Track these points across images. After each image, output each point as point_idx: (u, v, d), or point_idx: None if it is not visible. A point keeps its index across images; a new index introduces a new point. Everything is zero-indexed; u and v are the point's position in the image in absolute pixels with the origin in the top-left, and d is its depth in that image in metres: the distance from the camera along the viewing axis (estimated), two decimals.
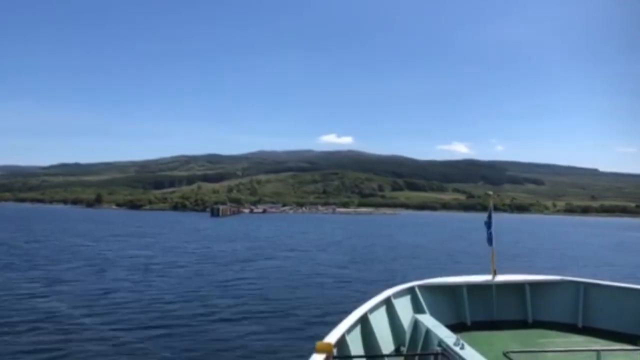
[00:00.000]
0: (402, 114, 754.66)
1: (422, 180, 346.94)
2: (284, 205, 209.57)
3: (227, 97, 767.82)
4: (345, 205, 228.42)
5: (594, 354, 5.22)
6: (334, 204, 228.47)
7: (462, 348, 4.81)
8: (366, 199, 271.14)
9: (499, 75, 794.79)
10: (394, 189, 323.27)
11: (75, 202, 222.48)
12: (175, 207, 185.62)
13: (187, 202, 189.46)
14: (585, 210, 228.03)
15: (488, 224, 9.23)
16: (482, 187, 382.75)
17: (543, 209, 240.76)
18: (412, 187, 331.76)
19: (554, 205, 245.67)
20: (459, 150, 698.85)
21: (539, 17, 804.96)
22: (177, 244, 46.87)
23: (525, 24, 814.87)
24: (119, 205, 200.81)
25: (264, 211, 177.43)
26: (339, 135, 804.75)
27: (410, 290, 8.78)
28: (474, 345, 4.99)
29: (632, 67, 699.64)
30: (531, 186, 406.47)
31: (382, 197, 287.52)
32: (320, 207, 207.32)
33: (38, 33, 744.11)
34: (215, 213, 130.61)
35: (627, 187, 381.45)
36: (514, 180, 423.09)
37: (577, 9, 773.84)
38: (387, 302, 7.95)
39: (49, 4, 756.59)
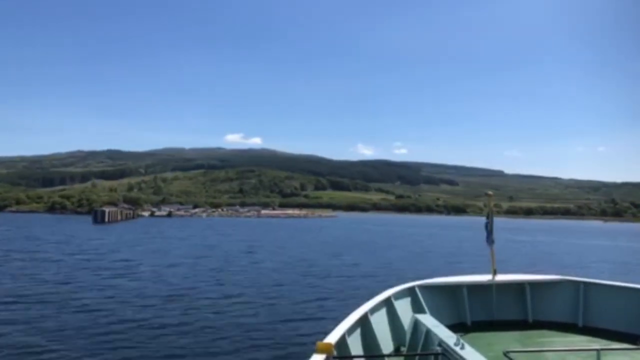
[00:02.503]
0: (310, 116, 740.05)
1: (345, 180, 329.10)
2: (196, 206, 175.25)
3: (130, 93, 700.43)
4: (265, 205, 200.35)
5: (594, 353, 5.15)
6: (254, 204, 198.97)
7: (462, 348, 4.79)
8: (288, 198, 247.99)
9: (401, 79, 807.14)
10: (316, 188, 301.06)
11: None
12: (52, 209, 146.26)
13: (68, 203, 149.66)
14: (528, 212, 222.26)
15: (488, 225, 9.03)
16: (400, 187, 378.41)
17: (478, 210, 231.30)
18: (336, 186, 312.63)
19: (486, 207, 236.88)
20: (366, 152, 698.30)
21: (442, 22, 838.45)
22: None
23: (427, 31, 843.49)
24: None
25: (170, 214, 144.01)
26: (246, 135, 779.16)
27: (411, 290, 8.58)
28: (474, 345, 4.97)
29: (514, 78, 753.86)
30: (446, 187, 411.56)
31: (306, 196, 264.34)
32: (240, 209, 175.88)
33: None
34: (99, 218, 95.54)
35: (537, 188, 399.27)
36: (430, 181, 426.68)
37: (480, 14, 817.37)
38: (387, 302, 7.78)
39: None
